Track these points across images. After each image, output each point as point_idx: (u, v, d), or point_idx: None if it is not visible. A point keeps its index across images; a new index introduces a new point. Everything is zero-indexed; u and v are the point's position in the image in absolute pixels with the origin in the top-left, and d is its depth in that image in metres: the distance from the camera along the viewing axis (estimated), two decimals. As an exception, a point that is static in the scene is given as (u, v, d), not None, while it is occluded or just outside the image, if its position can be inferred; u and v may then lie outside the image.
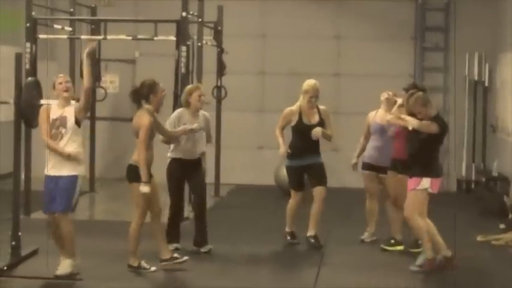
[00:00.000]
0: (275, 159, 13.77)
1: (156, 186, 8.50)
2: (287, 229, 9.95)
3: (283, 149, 9.71)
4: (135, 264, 8.43)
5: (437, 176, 8.79)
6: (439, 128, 8.63)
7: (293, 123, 9.76)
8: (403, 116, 8.88)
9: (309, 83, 9.77)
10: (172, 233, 9.35)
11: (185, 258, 8.62)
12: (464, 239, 10.13)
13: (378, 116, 9.98)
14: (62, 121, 8.01)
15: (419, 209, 8.64)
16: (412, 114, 8.79)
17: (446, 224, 9.94)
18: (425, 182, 8.62)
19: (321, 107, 9.81)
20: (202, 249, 9.35)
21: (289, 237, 9.93)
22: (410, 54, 15.04)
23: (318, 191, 9.71)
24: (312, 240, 9.67)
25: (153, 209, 8.48)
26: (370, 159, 10.01)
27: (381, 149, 9.89)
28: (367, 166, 10.06)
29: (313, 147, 9.74)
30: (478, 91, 14.70)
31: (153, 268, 8.47)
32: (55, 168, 8.00)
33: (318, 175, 9.75)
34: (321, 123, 9.72)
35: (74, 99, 8.17)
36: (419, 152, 8.72)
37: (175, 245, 9.31)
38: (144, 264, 8.45)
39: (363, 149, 10.13)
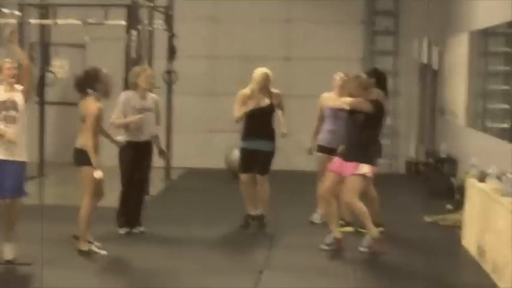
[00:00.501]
0: (226, 143, 13.88)
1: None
2: (247, 211, 9.95)
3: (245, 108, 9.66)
4: (85, 248, 8.43)
5: (375, 162, 8.90)
6: (372, 107, 8.70)
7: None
8: (344, 100, 9.00)
9: (259, 73, 9.74)
10: (124, 217, 9.39)
11: (103, 252, 8.53)
12: (412, 220, 10.30)
13: (331, 99, 10.07)
14: (12, 104, 7.91)
15: (358, 193, 8.75)
16: (352, 96, 8.90)
17: (395, 204, 10.12)
18: (364, 167, 8.72)
19: (274, 91, 9.81)
20: (134, 230, 9.36)
21: (245, 220, 9.93)
22: (360, 38, 15.15)
23: (259, 180, 9.82)
24: (257, 219, 9.84)
25: (97, 194, 8.49)
26: (324, 141, 10.09)
27: (334, 132, 9.96)
28: (321, 149, 10.16)
29: (266, 130, 9.77)
30: (427, 74, 14.86)
31: (103, 252, 8.48)
32: (9, 152, 7.90)
33: (262, 164, 9.79)
34: (270, 107, 9.76)
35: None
36: (358, 137, 8.79)
37: (126, 229, 9.36)
38: (94, 248, 8.47)
39: (317, 132, 10.21)
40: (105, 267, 8.22)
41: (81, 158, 8.32)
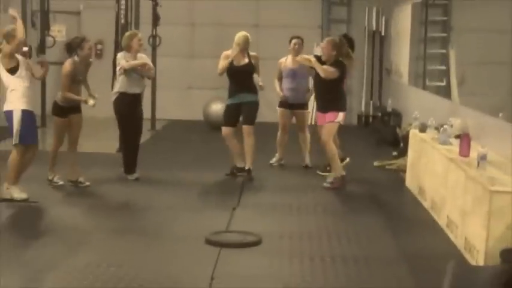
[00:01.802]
0: (203, 98, 13.84)
1: (78, 119, 8.71)
2: (234, 163, 9.60)
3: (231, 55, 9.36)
4: (51, 177, 8.74)
5: (346, 110, 9.17)
6: (338, 72, 8.87)
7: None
8: (311, 58, 9.03)
9: (240, 35, 9.44)
10: (131, 164, 9.27)
11: (87, 183, 8.77)
12: (363, 164, 10.35)
13: (288, 61, 10.14)
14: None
15: (333, 137, 9.02)
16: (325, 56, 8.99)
17: (348, 151, 10.14)
18: (341, 116, 8.97)
19: (252, 53, 9.53)
20: (131, 177, 9.24)
21: (231, 171, 9.58)
22: (318, 8, 15.05)
23: (245, 129, 9.47)
24: (246, 173, 9.44)
25: (71, 139, 8.80)
26: (286, 98, 10.14)
27: (293, 89, 10.11)
28: (283, 104, 10.22)
29: (246, 86, 9.42)
30: (376, 40, 14.85)
31: (87, 183, 8.75)
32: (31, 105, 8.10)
33: (247, 114, 9.45)
34: (249, 65, 9.44)
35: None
36: (330, 92, 8.95)
37: (135, 175, 9.26)
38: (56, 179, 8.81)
39: (282, 88, 10.24)
40: (95, 205, 8.18)
41: (53, 109, 8.74)
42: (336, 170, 8.99)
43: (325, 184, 9.00)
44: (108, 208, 8.06)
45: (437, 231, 7.33)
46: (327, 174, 9.38)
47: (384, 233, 7.26)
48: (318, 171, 9.75)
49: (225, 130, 9.55)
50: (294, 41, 10.18)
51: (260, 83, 9.48)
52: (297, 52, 10.05)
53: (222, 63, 9.42)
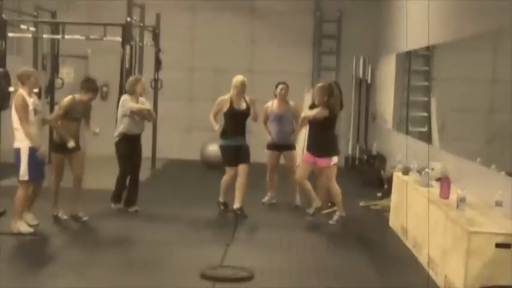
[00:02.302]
0: (201, 139, 13.82)
1: (78, 156, 8.57)
2: (220, 199, 9.68)
3: (216, 126, 9.38)
4: (55, 213, 8.66)
5: (338, 153, 9.27)
6: (329, 112, 8.92)
7: (225, 109, 9.43)
8: (308, 112, 9.15)
9: (237, 79, 9.44)
10: (118, 196, 9.34)
11: (86, 218, 8.65)
12: (349, 204, 10.29)
13: (274, 106, 10.13)
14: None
15: (334, 178, 9.10)
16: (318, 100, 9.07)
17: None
18: (335, 159, 9.08)
19: (247, 97, 9.52)
20: (130, 209, 9.28)
21: (222, 207, 9.67)
22: (309, 56, 15.14)
23: (242, 168, 9.40)
24: (238, 212, 9.32)
25: (58, 175, 8.65)
26: (274, 140, 10.13)
27: (280, 132, 10.07)
28: (270, 146, 10.19)
29: (241, 129, 9.44)
30: (362, 87, 14.91)
31: (86, 217, 8.61)
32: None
33: (243, 155, 9.41)
34: (247, 109, 9.45)
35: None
36: (323, 136, 9.00)
37: (118, 206, 9.31)
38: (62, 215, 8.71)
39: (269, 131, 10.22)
40: (95, 239, 8.14)
41: (52, 146, 8.77)
42: (341, 209, 9.12)
43: (330, 222, 9.08)
44: (108, 242, 7.99)
45: (418, 269, 7.29)
46: (312, 210, 9.40)
47: (368, 269, 7.22)
48: (307, 211, 9.69)
49: (231, 171, 9.49)
50: (280, 86, 10.21)
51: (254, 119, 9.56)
52: (282, 97, 10.14)
53: (213, 114, 9.43)
